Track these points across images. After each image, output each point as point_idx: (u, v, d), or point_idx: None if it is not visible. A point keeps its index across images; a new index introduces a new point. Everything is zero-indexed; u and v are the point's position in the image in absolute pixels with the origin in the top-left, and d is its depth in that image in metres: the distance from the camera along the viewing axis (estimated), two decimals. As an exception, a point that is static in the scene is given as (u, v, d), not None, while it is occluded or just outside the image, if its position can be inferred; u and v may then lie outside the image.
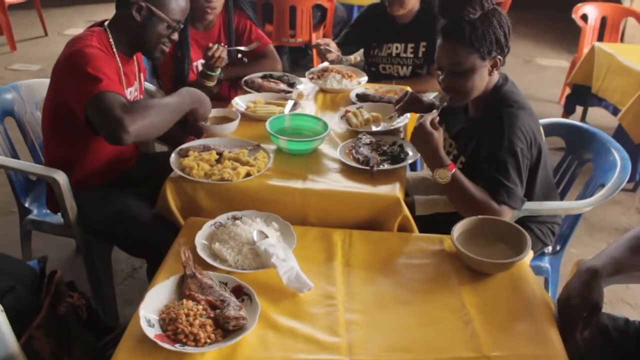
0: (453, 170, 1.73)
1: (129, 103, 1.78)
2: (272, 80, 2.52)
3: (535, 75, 5.58)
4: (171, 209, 1.81)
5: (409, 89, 2.55)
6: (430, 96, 2.83)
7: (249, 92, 2.44)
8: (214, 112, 2.15)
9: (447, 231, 1.62)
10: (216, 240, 1.56)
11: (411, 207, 1.98)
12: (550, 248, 2.12)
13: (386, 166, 1.86)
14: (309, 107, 2.38)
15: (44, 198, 2.21)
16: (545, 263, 2.10)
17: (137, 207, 1.98)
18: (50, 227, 2.23)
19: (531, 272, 1.54)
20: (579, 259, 1.65)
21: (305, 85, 2.57)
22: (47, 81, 2.51)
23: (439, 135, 1.76)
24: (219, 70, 2.41)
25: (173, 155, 1.87)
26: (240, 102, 2.29)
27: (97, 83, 1.74)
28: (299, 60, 5.21)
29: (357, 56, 2.84)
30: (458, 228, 1.62)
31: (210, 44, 2.36)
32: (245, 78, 2.52)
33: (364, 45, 2.99)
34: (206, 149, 1.89)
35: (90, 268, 2.20)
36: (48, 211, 2.23)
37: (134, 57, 2.10)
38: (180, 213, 1.83)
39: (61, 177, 1.98)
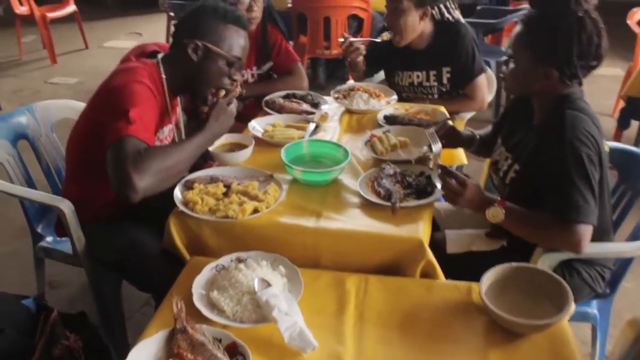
0: (504, 205, 1.57)
1: (145, 151, 1.59)
2: (294, 100, 2.37)
3: (586, 85, 5.23)
4: (176, 246, 1.68)
5: (443, 110, 2.35)
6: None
7: (270, 114, 2.29)
8: (227, 138, 2.01)
9: (482, 272, 1.43)
10: (215, 287, 1.41)
11: (442, 243, 1.80)
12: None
13: (410, 202, 1.67)
14: (332, 129, 2.22)
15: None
16: (593, 309, 1.86)
17: (147, 241, 1.86)
18: (60, 256, 2.14)
19: (571, 335, 1.32)
20: (632, 317, 1.43)
21: (330, 105, 2.40)
22: (64, 102, 2.46)
23: (470, 182, 1.60)
24: None
25: (178, 188, 1.73)
26: (257, 126, 2.14)
27: (128, 125, 1.60)
28: (336, 72, 5.05)
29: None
30: (488, 277, 1.43)
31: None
32: (266, 98, 2.38)
33: (383, 68, 2.76)
34: (214, 180, 1.75)
35: (99, 299, 2.09)
36: (59, 238, 2.14)
37: None
38: (187, 249, 1.70)
39: (66, 207, 1.88)
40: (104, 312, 2.11)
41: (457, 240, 1.82)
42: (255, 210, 1.62)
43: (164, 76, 1.82)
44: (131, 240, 1.86)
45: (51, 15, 5.81)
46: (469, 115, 2.64)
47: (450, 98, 2.58)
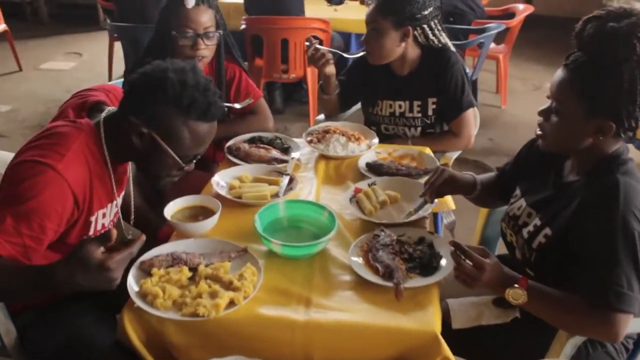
0: (527, 286, 1.35)
1: None
2: (261, 145, 2.07)
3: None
4: (134, 345, 1.36)
5: (430, 153, 2.11)
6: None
7: (234, 163, 1.98)
8: (188, 200, 1.70)
9: (494, 349, 1.33)
10: (186, 415, 1.11)
11: (445, 316, 1.54)
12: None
13: (416, 281, 1.41)
14: (308, 181, 1.93)
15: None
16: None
17: (96, 332, 1.55)
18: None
19: None
20: None
21: (302, 148, 2.11)
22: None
23: (488, 264, 1.36)
24: None
25: (132, 272, 1.41)
26: (221, 181, 1.84)
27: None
28: (293, 94, 4.77)
29: None
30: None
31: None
32: (229, 144, 2.07)
33: (361, 99, 2.48)
34: (176, 261, 1.43)
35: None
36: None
37: None
38: (147, 347, 1.37)
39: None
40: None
41: (462, 312, 1.58)
42: (231, 302, 1.32)
43: (103, 142, 1.47)
44: (76, 333, 1.54)
45: (-22, 35, 5.32)
46: (455, 154, 2.40)
47: (434, 137, 2.33)
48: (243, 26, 4.06)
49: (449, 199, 2.15)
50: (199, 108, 1.41)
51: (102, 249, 1.20)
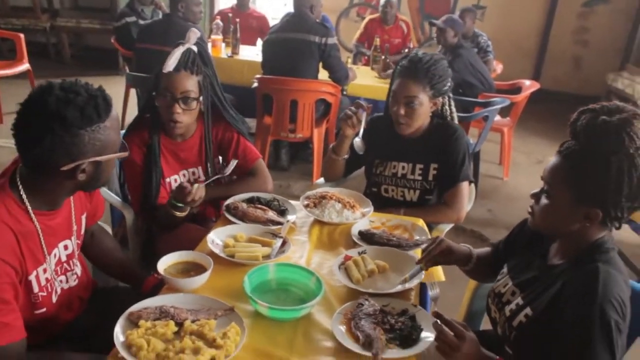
0: None
1: None
2: (259, 206, 2.14)
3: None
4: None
5: (423, 225, 2.16)
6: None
7: (232, 222, 2.05)
8: (181, 256, 1.76)
9: None
10: None
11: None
12: None
13: (394, 352, 1.44)
14: (301, 244, 1.98)
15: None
16: None
17: None
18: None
19: None
20: None
21: (299, 212, 2.18)
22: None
23: (468, 335, 1.40)
24: None
25: (120, 322, 1.46)
26: (216, 239, 1.90)
27: None
28: (299, 152, 4.88)
29: None
30: None
31: (187, 184, 2.00)
32: (227, 202, 2.13)
33: (367, 161, 2.56)
34: (164, 314, 1.48)
35: None
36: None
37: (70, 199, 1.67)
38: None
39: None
40: None
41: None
42: (212, 360, 1.36)
43: (23, 195, 1.49)
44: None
45: (0, 73, 5.50)
46: (447, 227, 2.45)
47: (427, 207, 2.41)
48: (255, 84, 4.20)
49: (439, 270, 2.20)
50: (98, 109, 1.46)
51: None
